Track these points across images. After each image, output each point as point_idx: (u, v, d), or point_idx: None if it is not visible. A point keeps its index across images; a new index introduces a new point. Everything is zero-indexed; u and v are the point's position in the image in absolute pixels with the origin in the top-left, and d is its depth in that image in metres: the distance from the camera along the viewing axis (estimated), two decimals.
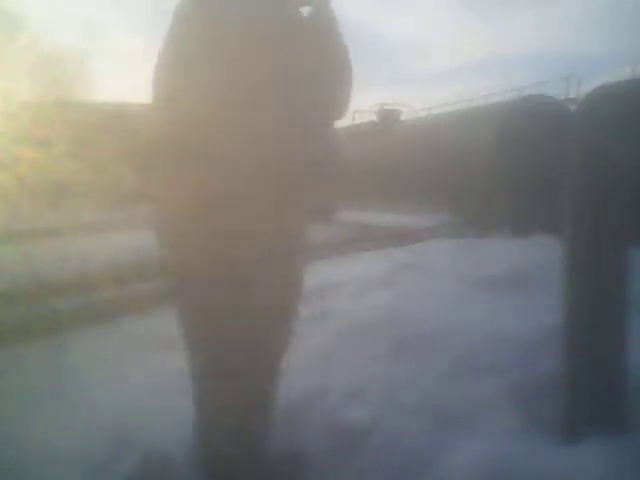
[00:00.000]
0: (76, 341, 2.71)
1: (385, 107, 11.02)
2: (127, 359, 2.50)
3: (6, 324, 2.89)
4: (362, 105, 13.13)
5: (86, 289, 3.46)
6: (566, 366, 1.68)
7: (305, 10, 1.44)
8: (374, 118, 10.95)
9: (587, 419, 1.60)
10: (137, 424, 1.80)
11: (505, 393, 1.89)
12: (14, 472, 1.60)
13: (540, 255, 3.68)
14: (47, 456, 1.63)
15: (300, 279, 1.43)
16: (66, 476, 1.56)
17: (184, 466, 1.58)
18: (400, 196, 7.27)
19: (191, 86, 1.27)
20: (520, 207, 5.89)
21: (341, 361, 2.24)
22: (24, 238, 5.00)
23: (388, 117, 10.65)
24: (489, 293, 3.14)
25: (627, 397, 1.62)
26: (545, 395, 1.80)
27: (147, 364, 2.41)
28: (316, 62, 1.36)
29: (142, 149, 1.39)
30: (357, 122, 11.71)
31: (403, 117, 11.13)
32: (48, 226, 5.63)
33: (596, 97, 1.67)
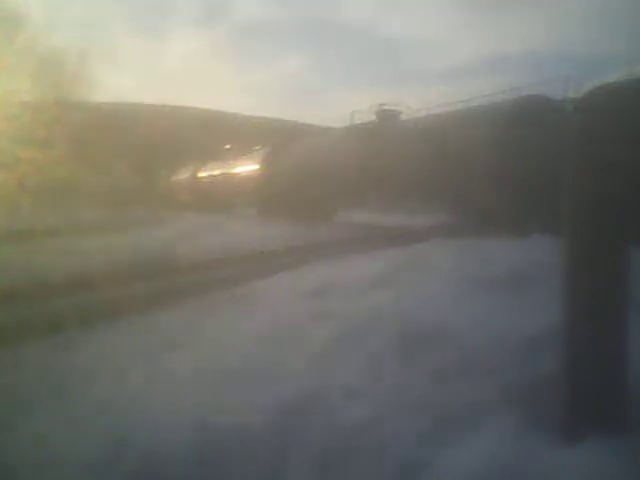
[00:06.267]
0: (76, 341, 2.71)
1: (385, 107, 10.99)
2: (127, 359, 2.50)
3: (6, 324, 2.89)
4: (362, 105, 13.12)
5: (86, 289, 3.47)
6: (566, 366, 1.68)
7: None
8: (373, 118, 10.93)
9: (587, 419, 1.60)
10: (138, 423, 1.80)
11: (505, 392, 1.89)
12: (15, 471, 1.60)
13: (540, 255, 3.68)
14: (48, 455, 1.63)
15: None
16: (67, 475, 1.56)
17: (185, 466, 1.58)
18: (400, 196, 7.27)
19: None
20: (520, 207, 5.88)
21: (341, 360, 2.24)
22: (24, 238, 5.00)
23: (388, 117, 10.63)
24: (489, 293, 3.14)
25: (627, 397, 1.62)
26: (545, 395, 1.80)
27: (147, 364, 2.41)
28: None
29: None
30: (357, 122, 11.69)
31: (403, 117, 11.11)
32: (48, 226, 5.64)
33: (595, 97, 1.67)
